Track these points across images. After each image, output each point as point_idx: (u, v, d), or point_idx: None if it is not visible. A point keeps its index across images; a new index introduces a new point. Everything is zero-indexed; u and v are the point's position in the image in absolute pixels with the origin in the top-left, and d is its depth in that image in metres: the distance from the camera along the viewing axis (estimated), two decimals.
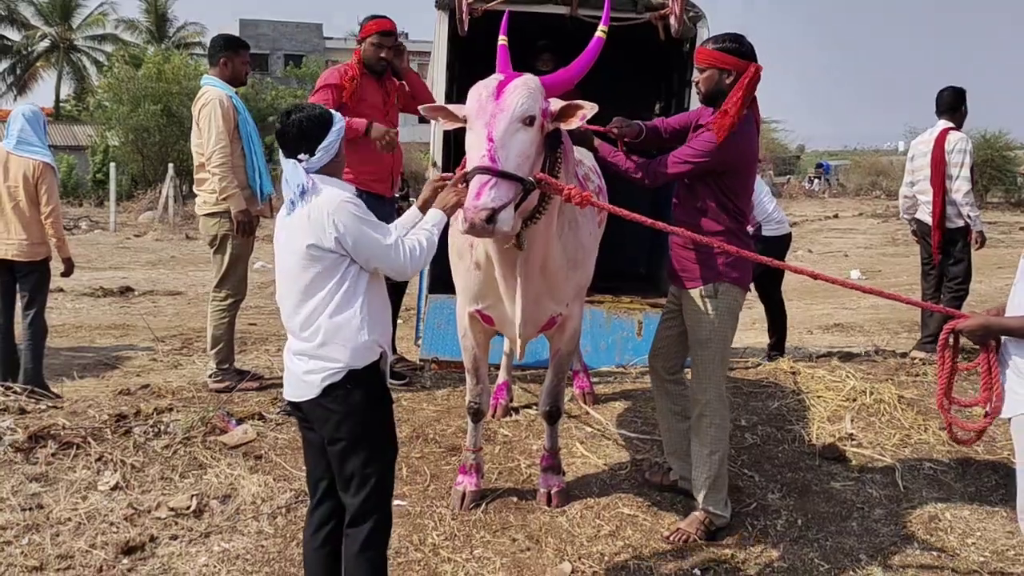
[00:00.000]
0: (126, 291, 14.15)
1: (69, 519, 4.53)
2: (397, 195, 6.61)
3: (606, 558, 4.31)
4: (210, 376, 6.13)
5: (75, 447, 5.07)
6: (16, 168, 6.46)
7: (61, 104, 49.21)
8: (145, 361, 9.71)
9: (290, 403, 3.60)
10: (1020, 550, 4.34)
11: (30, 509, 4.58)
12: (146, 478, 4.89)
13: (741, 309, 4.53)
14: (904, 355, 7.49)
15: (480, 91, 3.81)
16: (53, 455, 5.02)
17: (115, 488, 4.79)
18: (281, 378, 6.38)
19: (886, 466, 5.09)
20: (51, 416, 5.49)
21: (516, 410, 5.83)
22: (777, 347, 7.79)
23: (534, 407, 5.84)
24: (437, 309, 7.03)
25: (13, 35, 50.34)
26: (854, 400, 5.78)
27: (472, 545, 4.39)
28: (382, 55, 6.04)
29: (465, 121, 3.94)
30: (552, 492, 4.75)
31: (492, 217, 3.54)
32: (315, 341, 3.38)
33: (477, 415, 4.79)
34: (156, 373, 8.97)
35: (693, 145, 4.33)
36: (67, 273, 7.03)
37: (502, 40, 4.42)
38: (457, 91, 7.82)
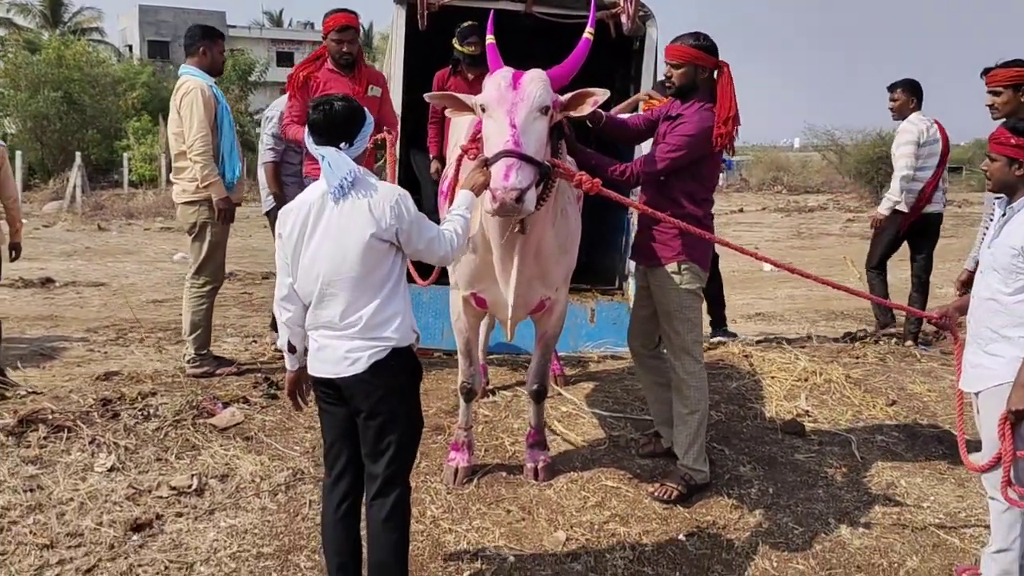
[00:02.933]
0: (47, 282, 13.90)
1: (71, 499, 4.62)
2: None
3: (595, 527, 4.59)
4: (188, 362, 6.22)
5: (66, 431, 5.14)
6: None
7: None
8: (82, 351, 9.62)
9: (318, 379, 3.77)
10: (970, 512, 4.77)
11: (31, 490, 4.66)
12: (141, 459, 4.99)
13: (704, 285, 4.92)
14: (841, 339, 7.96)
15: (498, 82, 4.07)
16: (45, 439, 5.08)
17: (112, 469, 4.88)
18: (256, 363, 6.56)
19: (842, 439, 5.49)
20: (35, 402, 5.54)
21: (493, 392, 6.08)
22: (719, 322, 8.02)
23: (509, 389, 6.11)
24: None
25: None
26: (806, 380, 6.19)
27: (470, 517, 4.63)
28: (344, 50, 6.17)
29: (474, 110, 4.22)
30: (539, 467, 5.01)
31: (520, 197, 3.80)
32: (363, 323, 3.57)
33: (469, 395, 5.02)
34: (96, 363, 8.93)
35: (671, 142, 4.65)
36: (17, 257, 7.04)
37: (490, 39, 4.67)
38: (414, 84, 7.99)
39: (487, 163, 3.98)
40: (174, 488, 4.75)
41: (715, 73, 4.74)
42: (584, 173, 4.30)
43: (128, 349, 9.83)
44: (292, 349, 3.85)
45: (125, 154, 30.42)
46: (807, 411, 5.82)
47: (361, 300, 3.59)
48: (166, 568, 4.18)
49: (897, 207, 7.56)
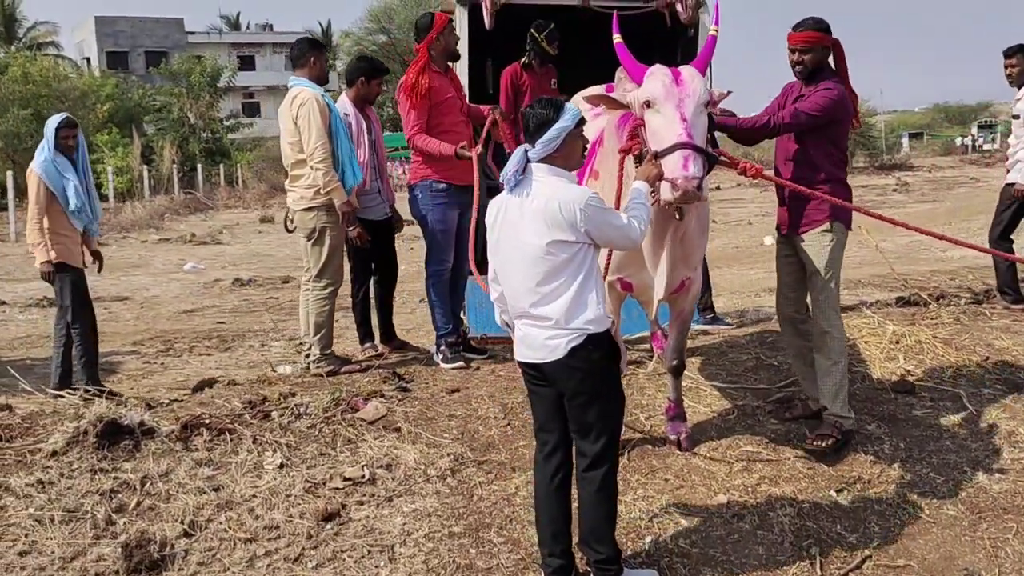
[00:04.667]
0: None
1: (254, 496, 4.86)
2: None
3: (749, 489, 4.92)
4: (313, 362, 6.45)
5: (228, 433, 5.37)
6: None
7: None
8: (139, 364, 9.82)
9: (524, 364, 4.06)
10: None
11: (216, 490, 4.90)
12: (306, 455, 5.23)
13: (846, 244, 5.33)
14: (895, 305, 8.33)
15: (662, 79, 4.37)
16: (210, 442, 5.31)
17: (282, 466, 5.12)
18: (372, 361, 6.80)
19: (951, 394, 5.85)
20: (183, 407, 5.76)
21: None
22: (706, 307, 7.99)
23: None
24: (476, 290, 7.47)
25: None
26: (897, 343, 6.54)
27: (632, 487, 4.93)
28: (456, 41, 6.63)
29: (629, 107, 4.50)
30: (681, 437, 5.33)
31: (700, 185, 4.13)
32: (559, 314, 3.87)
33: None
34: (158, 375, 9.14)
35: (813, 100, 5.09)
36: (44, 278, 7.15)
37: (617, 38, 4.92)
38: (475, 83, 8.26)
39: (657, 155, 4.27)
40: (348, 479, 5.00)
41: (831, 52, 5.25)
42: (747, 160, 4.62)
43: (183, 359, 10.06)
44: (508, 325, 4.22)
45: (109, 168, 30.27)
46: (909, 371, 6.18)
47: (554, 293, 3.89)
48: (368, 552, 4.45)
49: None
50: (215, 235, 22.93)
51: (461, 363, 6.63)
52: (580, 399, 3.96)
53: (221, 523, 4.65)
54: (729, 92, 4.80)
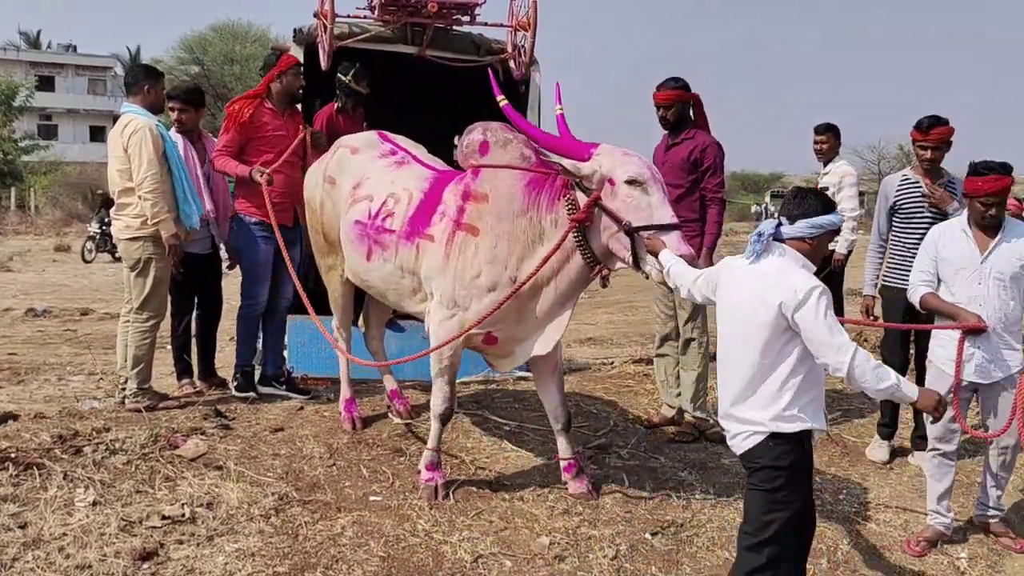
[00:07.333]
0: None
1: (65, 534, 4.63)
2: None
3: (570, 531, 5.06)
4: (130, 396, 6.21)
5: (36, 468, 5.12)
6: None
7: None
8: None
9: None
10: (877, 503, 5.59)
11: (22, 527, 4.64)
12: (121, 492, 5.04)
13: None
14: None
15: (642, 161, 4.66)
16: (16, 476, 5.04)
17: (95, 503, 4.91)
18: (192, 397, 6.61)
19: None
20: None
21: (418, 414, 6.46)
22: None
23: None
24: (298, 329, 7.40)
25: None
26: (707, 395, 6.89)
27: (458, 528, 4.99)
28: (302, 83, 6.71)
29: (582, 176, 4.69)
30: (588, 488, 5.48)
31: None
32: (757, 406, 3.80)
33: (448, 418, 5.40)
34: None
35: (716, 165, 6.03)
36: None
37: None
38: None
39: (636, 229, 4.52)
40: (167, 517, 4.84)
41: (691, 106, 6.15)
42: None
43: None
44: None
45: None
46: (716, 421, 6.52)
47: (752, 378, 3.83)
48: None
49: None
50: (4, 262, 21.60)
51: (252, 394, 6.69)
52: (750, 486, 3.93)
53: (28, 562, 4.40)
54: None
